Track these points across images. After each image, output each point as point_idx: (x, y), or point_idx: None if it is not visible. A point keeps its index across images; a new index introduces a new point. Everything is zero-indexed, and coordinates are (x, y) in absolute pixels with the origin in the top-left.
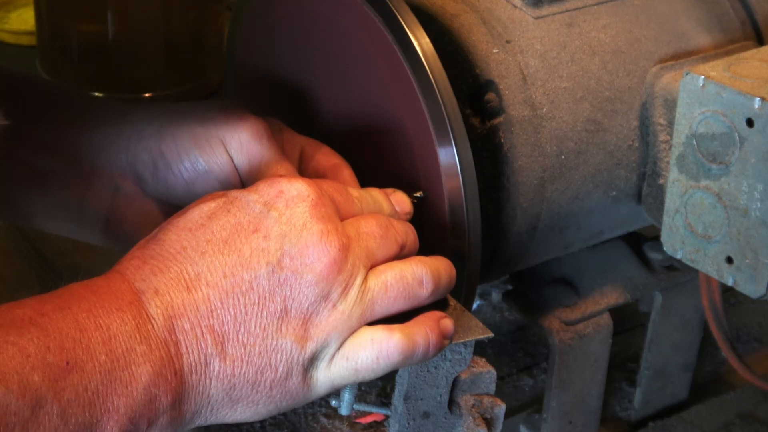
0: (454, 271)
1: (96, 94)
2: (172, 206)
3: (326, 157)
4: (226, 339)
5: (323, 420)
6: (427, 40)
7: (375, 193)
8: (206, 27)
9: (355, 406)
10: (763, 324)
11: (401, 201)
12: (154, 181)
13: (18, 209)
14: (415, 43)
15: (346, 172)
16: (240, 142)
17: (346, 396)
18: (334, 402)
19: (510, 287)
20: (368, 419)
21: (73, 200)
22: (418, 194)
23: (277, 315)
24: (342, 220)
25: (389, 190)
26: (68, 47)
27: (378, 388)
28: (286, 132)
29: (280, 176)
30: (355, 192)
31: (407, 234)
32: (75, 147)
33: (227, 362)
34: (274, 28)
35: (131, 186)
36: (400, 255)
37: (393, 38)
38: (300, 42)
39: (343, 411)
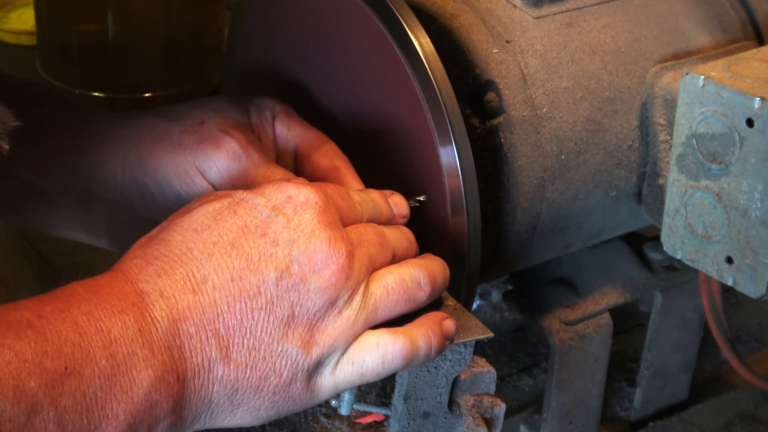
0: (447, 271)
1: (96, 94)
2: None
3: (326, 158)
4: (231, 343)
5: (323, 420)
6: (428, 39)
7: (374, 196)
8: (206, 27)
9: (355, 406)
10: (763, 324)
11: (399, 204)
12: (145, 209)
13: (23, 221)
14: (416, 43)
15: (349, 176)
16: (218, 169)
17: (346, 396)
18: (334, 402)
19: (510, 287)
20: (368, 419)
21: (73, 217)
22: (420, 198)
23: (284, 320)
24: (344, 226)
25: (387, 192)
26: (68, 47)
27: (378, 388)
28: (279, 122)
29: (288, 181)
30: (356, 196)
31: (399, 241)
32: (67, 172)
33: (231, 367)
34: (274, 28)
35: (125, 210)
36: (392, 262)
37: (393, 38)
38: (300, 42)
39: (343, 411)
